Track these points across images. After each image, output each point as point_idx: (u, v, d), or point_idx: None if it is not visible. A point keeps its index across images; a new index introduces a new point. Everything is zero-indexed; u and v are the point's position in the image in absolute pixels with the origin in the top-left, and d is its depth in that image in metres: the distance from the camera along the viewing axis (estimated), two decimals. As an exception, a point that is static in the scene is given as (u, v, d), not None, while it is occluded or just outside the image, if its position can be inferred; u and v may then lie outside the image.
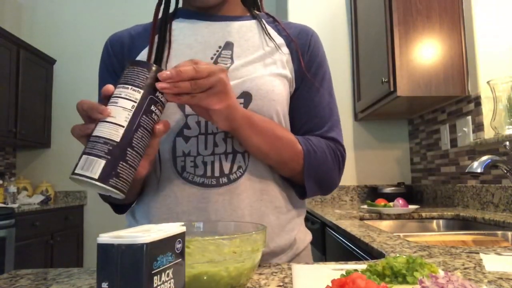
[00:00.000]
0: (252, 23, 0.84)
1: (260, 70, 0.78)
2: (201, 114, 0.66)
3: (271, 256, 0.76)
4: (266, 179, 0.77)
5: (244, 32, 0.82)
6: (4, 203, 3.26)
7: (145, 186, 0.78)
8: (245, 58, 0.79)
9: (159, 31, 0.81)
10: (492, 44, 1.81)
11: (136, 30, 0.85)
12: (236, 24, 0.83)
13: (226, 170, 0.74)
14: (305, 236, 0.84)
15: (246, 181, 0.74)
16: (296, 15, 2.83)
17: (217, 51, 0.79)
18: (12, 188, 3.38)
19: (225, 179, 0.73)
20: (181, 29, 0.81)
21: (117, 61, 0.82)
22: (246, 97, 0.75)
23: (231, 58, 0.79)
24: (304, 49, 0.83)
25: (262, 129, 0.71)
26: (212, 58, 0.78)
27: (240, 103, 0.73)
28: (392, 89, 1.97)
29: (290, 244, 0.79)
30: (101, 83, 0.82)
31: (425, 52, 1.96)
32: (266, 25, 0.85)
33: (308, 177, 0.76)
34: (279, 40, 0.83)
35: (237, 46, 0.80)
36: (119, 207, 0.82)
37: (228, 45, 0.80)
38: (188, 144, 0.74)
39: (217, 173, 0.73)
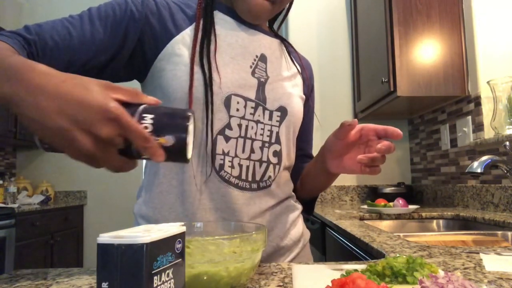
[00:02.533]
0: (277, 43, 0.89)
1: (290, 89, 0.85)
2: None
3: (286, 250, 0.83)
4: (287, 189, 0.86)
5: (274, 50, 0.86)
6: (4, 203, 3.26)
7: (180, 178, 0.75)
8: (277, 74, 0.84)
9: (203, 17, 0.78)
10: (492, 44, 1.81)
11: (171, 4, 0.79)
12: (268, 39, 0.86)
13: (258, 177, 0.78)
14: (306, 230, 0.93)
15: (272, 190, 0.81)
16: (296, 15, 2.83)
17: (255, 60, 0.81)
18: (12, 188, 3.38)
19: (255, 185, 0.78)
20: (222, 24, 0.80)
21: (144, 16, 0.74)
22: (283, 111, 0.81)
23: (265, 71, 0.82)
24: (311, 81, 0.96)
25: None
26: (251, 67, 0.80)
27: (277, 116, 0.80)
28: (392, 89, 1.97)
29: (300, 236, 0.87)
30: (106, 12, 0.74)
31: (425, 52, 1.96)
32: (286, 48, 0.91)
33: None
34: (296, 67, 0.91)
35: (269, 61, 0.84)
36: None
37: (263, 58, 0.83)
38: (228, 144, 0.75)
39: (250, 178, 0.77)
